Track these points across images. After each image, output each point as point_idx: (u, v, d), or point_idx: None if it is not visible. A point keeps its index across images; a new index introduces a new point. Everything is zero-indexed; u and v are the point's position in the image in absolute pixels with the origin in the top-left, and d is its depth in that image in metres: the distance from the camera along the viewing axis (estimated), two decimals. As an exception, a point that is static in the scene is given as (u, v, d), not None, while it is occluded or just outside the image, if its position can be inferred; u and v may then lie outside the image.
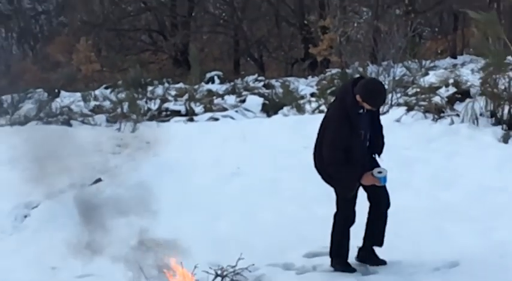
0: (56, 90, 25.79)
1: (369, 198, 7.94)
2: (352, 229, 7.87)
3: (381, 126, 7.99)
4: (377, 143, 7.95)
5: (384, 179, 7.67)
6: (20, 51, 50.53)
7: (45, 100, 23.08)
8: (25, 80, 32.04)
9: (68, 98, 24.28)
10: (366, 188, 7.87)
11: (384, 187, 7.86)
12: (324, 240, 8.48)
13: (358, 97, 7.49)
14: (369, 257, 8.08)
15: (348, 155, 7.58)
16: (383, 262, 7.97)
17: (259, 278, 7.89)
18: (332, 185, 7.86)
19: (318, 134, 7.88)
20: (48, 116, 20.37)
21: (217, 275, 6.95)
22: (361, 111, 7.59)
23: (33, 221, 10.90)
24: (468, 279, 7.42)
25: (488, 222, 9.22)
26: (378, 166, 7.84)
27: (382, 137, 8.00)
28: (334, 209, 7.89)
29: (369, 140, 7.85)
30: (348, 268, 7.98)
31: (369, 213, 7.99)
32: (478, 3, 36.38)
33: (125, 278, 7.62)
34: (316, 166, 7.93)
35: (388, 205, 7.98)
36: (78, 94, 25.45)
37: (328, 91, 20.04)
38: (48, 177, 11.79)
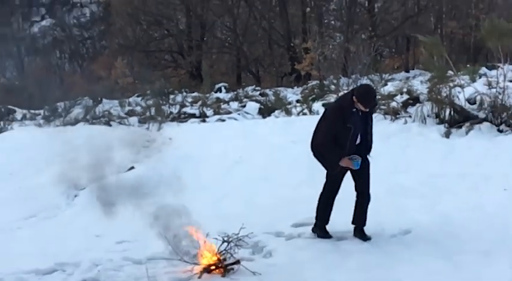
0: (99, 99, 25.75)
1: (355, 187, 7.87)
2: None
3: (371, 129, 7.93)
4: (366, 142, 7.83)
5: (357, 163, 7.59)
6: (71, 68, 50.54)
7: (91, 106, 23.07)
8: (75, 91, 31.94)
9: (108, 105, 24.25)
10: (354, 178, 7.84)
11: (367, 182, 7.86)
12: (306, 214, 8.49)
13: (354, 98, 7.51)
14: (357, 233, 7.96)
15: (337, 142, 7.56)
16: (368, 238, 7.82)
17: (256, 243, 7.89)
18: (321, 163, 7.82)
19: (317, 125, 7.84)
20: (92, 118, 20.36)
21: (224, 241, 6.95)
22: (354, 110, 7.54)
23: (81, 200, 10.89)
24: (418, 243, 7.42)
25: (433, 199, 9.23)
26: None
27: (371, 138, 7.93)
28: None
29: (360, 138, 7.77)
30: (326, 234, 7.96)
31: (355, 200, 7.93)
32: (425, 29, 36.51)
33: (154, 243, 7.63)
34: (312, 148, 7.84)
35: (367, 195, 7.90)
36: (116, 101, 25.45)
37: (310, 98, 20.00)
38: (92, 165, 11.80)
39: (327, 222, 8.05)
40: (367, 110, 7.67)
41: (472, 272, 6.24)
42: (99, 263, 7.49)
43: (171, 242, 6.98)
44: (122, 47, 41.94)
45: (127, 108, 23.78)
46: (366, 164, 7.85)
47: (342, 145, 7.59)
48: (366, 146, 7.89)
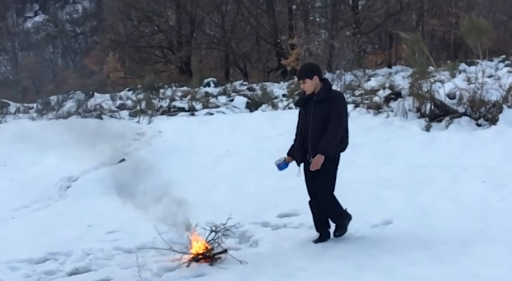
0: (91, 92, 25.68)
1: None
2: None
3: (333, 124, 6.92)
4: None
5: (278, 166, 7.34)
6: (64, 63, 50.43)
7: (83, 100, 23.02)
8: (67, 85, 31.92)
9: (99, 98, 24.19)
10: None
11: (317, 184, 7.09)
12: (292, 204, 8.51)
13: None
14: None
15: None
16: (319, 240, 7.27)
17: (243, 233, 7.89)
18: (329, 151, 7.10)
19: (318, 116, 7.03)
20: (85, 111, 20.30)
21: (212, 231, 6.94)
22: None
23: (73, 191, 10.86)
24: (399, 233, 7.43)
25: (414, 190, 9.25)
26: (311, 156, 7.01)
27: (331, 134, 6.92)
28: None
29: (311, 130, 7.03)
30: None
31: None
32: (407, 26, 36.64)
33: (144, 232, 7.62)
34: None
35: (317, 199, 7.17)
36: (107, 95, 25.41)
37: (296, 93, 19.98)
38: (85, 157, 11.75)
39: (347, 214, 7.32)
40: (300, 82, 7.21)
41: (451, 262, 6.26)
42: (90, 252, 7.47)
43: (161, 232, 6.97)
44: (114, 43, 41.87)
45: (118, 102, 23.74)
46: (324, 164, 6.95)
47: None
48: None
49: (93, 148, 12.70)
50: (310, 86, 7.04)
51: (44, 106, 22.41)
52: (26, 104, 24.64)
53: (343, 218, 7.26)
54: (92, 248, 7.57)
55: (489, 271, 5.95)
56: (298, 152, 7.20)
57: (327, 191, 7.08)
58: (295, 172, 7.29)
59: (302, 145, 7.16)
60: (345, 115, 7.05)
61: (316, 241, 7.29)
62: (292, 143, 7.42)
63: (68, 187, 11.14)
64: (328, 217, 7.26)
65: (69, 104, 22.29)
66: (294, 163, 7.32)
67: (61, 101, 23.05)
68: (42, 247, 7.63)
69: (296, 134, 7.35)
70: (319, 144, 6.91)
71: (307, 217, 7.52)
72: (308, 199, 7.30)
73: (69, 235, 8.22)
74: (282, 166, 7.35)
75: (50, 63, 50.37)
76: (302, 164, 7.23)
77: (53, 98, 23.65)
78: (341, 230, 7.31)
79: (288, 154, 7.40)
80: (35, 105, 23.93)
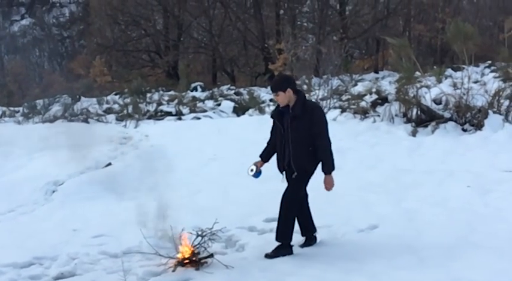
0: (78, 96, 25.62)
1: None
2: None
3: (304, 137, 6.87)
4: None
5: (254, 176, 7.37)
6: (50, 67, 50.28)
7: (69, 103, 22.96)
8: (54, 88, 31.78)
9: (86, 102, 24.13)
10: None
11: (287, 189, 7.07)
12: (278, 209, 8.49)
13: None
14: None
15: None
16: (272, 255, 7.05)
17: (230, 237, 7.87)
18: (313, 169, 7.12)
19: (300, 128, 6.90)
20: (71, 115, 20.26)
21: (198, 235, 6.92)
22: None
23: (59, 195, 10.78)
24: (385, 237, 7.44)
25: (400, 194, 9.28)
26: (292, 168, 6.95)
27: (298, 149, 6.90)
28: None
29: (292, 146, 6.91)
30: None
31: None
32: (394, 31, 36.85)
33: (130, 237, 7.59)
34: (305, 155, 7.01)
35: (283, 203, 7.05)
36: (94, 99, 25.34)
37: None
38: (71, 161, 11.71)
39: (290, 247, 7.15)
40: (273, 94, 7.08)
41: (436, 267, 6.28)
42: (76, 256, 7.43)
43: (147, 237, 6.95)
44: (101, 47, 41.80)
45: (105, 106, 23.72)
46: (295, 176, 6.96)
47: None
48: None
49: (80, 152, 12.69)
50: (283, 98, 6.90)
51: (30, 110, 22.35)
52: (12, 108, 24.55)
53: (285, 244, 7.04)
54: (77, 253, 7.53)
55: (474, 276, 5.98)
56: (281, 163, 7.14)
57: (293, 195, 7.03)
58: (280, 178, 7.28)
59: (283, 158, 7.08)
60: (326, 127, 6.95)
61: (303, 245, 7.29)
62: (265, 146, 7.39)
63: (53, 191, 11.06)
64: (279, 230, 7.07)
65: (56, 108, 22.25)
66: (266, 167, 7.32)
67: (47, 105, 23.01)
68: (27, 251, 7.58)
69: (270, 140, 7.33)
70: (301, 159, 6.88)
71: (294, 222, 7.50)
72: None
73: (55, 239, 8.18)
74: (257, 175, 7.38)
75: (37, 67, 50.22)
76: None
77: (39, 102, 23.60)
78: (273, 254, 6.98)
79: (261, 157, 7.41)
80: (21, 109, 23.85)
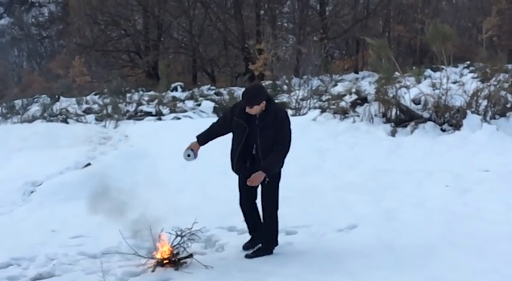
0: (57, 96, 25.49)
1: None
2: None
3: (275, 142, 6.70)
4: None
5: (188, 159, 7.35)
6: (29, 66, 49.99)
7: (48, 103, 22.85)
8: (33, 88, 31.66)
9: (65, 102, 24.00)
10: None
11: (265, 196, 7.00)
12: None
13: None
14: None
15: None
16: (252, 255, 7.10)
17: (209, 237, 7.86)
18: (274, 168, 6.93)
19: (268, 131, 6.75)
20: (50, 115, 20.15)
21: (177, 235, 6.90)
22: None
23: (37, 196, 10.69)
24: (364, 237, 7.46)
25: (379, 194, 9.32)
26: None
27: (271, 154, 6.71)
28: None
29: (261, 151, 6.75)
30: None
31: None
32: (374, 32, 37.08)
33: (109, 237, 7.55)
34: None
35: (267, 214, 7.04)
36: (73, 99, 25.22)
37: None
38: (49, 161, 11.62)
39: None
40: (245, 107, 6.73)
41: (415, 266, 6.31)
42: (54, 257, 7.37)
43: (126, 237, 6.92)
44: (80, 46, 41.65)
45: (84, 106, 23.61)
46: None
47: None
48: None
49: (58, 152, 12.60)
50: (257, 109, 6.68)
51: (8, 110, 22.17)
52: (-10, 108, 24.34)
53: (271, 244, 7.08)
54: (55, 253, 7.48)
55: (452, 275, 6.02)
56: (238, 162, 7.04)
57: (273, 201, 7.00)
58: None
59: (243, 160, 6.99)
60: (290, 136, 6.78)
61: (247, 245, 7.29)
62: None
63: (32, 192, 10.97)
64: (268, 239, 7.08)
65: (35, 108, 22.12)
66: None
67: (26, 105, 22.87)
68: (5, 252, 7.52)
69: (213, 127, 7.24)
70: None
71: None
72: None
73: (33, 240, 8.11)
74: (192, 157, 7.32)
75: (15, 66, 49.91)
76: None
77: (18, 102, 23.44)
78: (253, 255, 7.01)
79: (197, 138, 7.32)
80: (-1, 109, 23.67)
